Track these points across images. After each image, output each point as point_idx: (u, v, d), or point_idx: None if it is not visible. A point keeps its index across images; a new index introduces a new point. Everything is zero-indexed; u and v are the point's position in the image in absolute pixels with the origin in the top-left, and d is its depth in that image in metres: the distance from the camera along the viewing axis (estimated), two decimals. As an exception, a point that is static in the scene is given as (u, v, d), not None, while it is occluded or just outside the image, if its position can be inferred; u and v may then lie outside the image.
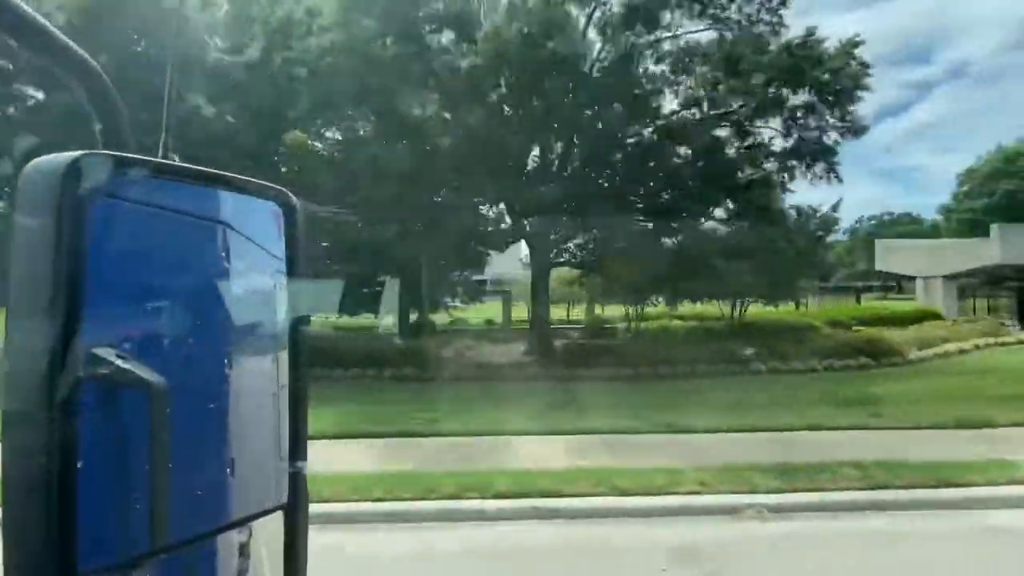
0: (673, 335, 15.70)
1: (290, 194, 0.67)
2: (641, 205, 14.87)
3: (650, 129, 14.42)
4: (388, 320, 16.41)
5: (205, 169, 0.59)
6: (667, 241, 14.97)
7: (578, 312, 24.75)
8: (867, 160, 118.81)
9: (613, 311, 21.30)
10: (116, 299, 0.48)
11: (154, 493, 0.45)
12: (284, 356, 0.65)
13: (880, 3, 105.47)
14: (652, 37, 13.62)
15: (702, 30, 14.16)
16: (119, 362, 0.45)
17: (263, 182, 0.66)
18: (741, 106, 14.15)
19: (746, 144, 15.10)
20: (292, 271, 0.66)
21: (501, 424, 8.38)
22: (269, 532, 0.63)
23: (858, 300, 32.51)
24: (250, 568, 0.62)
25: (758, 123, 14.75)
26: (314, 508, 0.89)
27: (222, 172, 0.60)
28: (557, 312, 21.85)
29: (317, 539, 0.70)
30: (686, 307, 20.24)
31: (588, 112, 13.85)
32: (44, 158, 0.46)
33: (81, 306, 0.44)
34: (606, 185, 14.68)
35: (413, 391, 11.23)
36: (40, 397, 0.41)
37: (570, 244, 15.96)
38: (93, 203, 0.46)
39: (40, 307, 0.42)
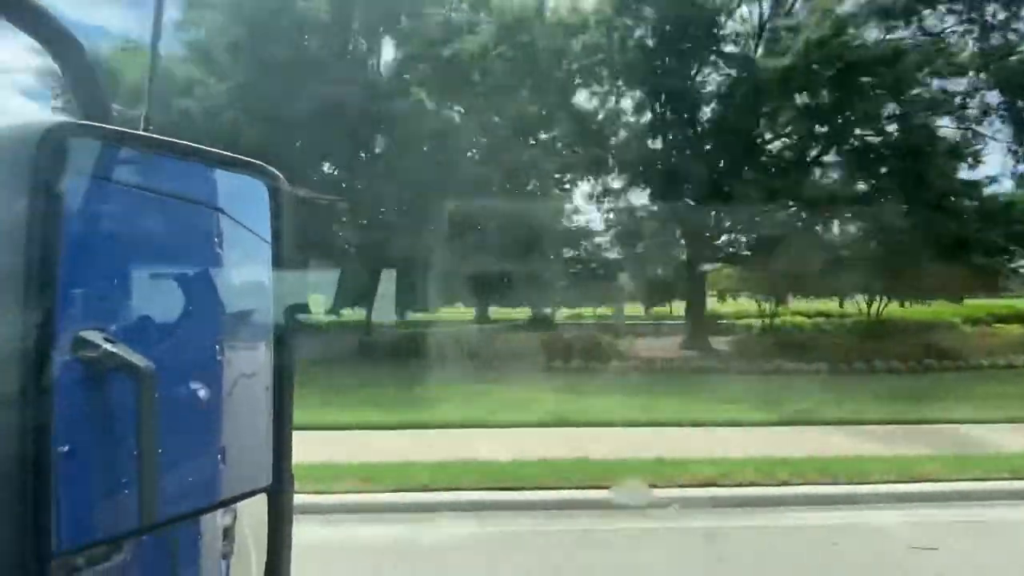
0: (835, 331, 15.74)
1: (276, 171, 0.65)
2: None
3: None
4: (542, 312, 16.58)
5: (189, 143, 0.57)
6: (853, 231, 15.08)
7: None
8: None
9: (737, 307, 21.32)
10: (100, 279, 0.47)
11: (139, 474, 0.44)
12: (271, 339, 0.63)
13: None
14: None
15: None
16: (107, 345, 0.44)
17: (248, 158, 0.63)
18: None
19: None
20: (278, 250, 0.64)
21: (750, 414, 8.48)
22: (255, 516, 0.62)
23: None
24: (234, 551, 0.62)
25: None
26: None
27: (206, 147, 0.58)
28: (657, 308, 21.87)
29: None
30: (801, 303, 20.30)
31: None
32: (15, 124, 0.44)
33: (63, 286, 0.43)
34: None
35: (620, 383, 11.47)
36: (19, 380, 0.39)
37: (727, 237, 16.08)
38: (71, 175, 0.44)
39: (18, 286, 0.40)
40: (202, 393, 0.55)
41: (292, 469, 0.64)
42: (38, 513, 0.39)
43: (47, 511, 0.40)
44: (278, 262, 0.64)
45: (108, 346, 0.44)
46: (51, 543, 0.40)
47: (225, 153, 0.60)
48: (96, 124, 0.52)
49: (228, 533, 0.62)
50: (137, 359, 0.44)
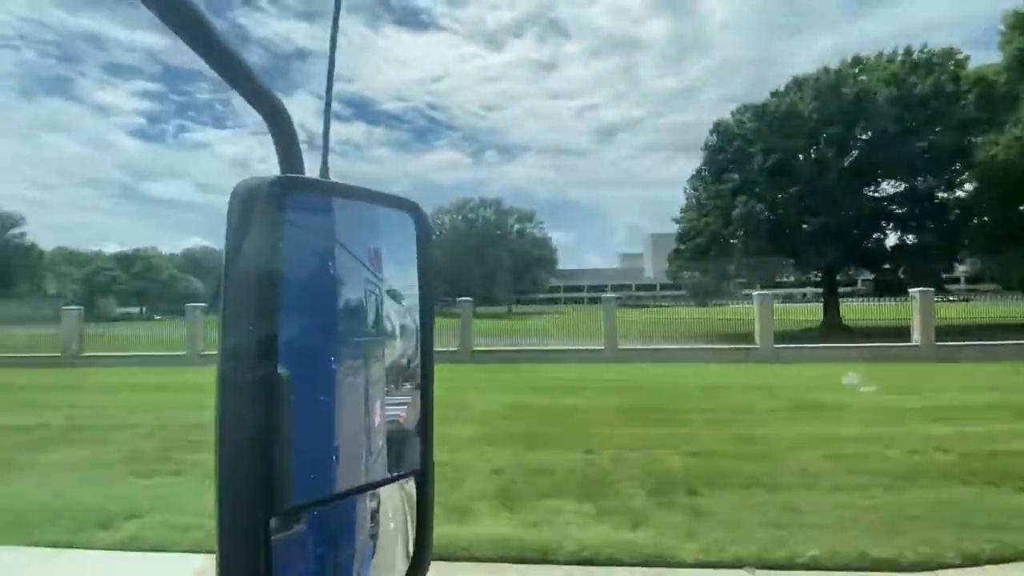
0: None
1: (418, 205, 0.74)
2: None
3: None
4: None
5: (353, 185, 0.66)
6: None
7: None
8: None
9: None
10: (295, 307, 0.56)
11: (279, 463, 0.53)
12: (418, 350, 0.75)
13: None
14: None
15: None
16: (291, 361, 0.53)
17: (396, 195, 0.72)
18: None
19: None
20: (423, 277, 0.75)
21: None
22: (396, 502, 0.72)
23: None
24: (379, 532, 0.71)
25: None
26: None
27: (363, 187, 0.67)
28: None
29: None
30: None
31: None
32: (250, 179, 0.56)
33: (275, 313, 0.53)
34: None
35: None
36: (241, 383, 0.52)
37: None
38: (289, 220, 0.55)
39: (249, 313, 0.52)
40: (363, 393, 0.66)
41: (433, 456, 0.76)
42: (269, 476, 0.51)
43: (271, 476, 0.51)
44: (422, 282, 0.75)
45: (291, 361, 0.54)
46: (272, 502, 0.52)
47: (383, 192, 0.70)
48: (304, 176, 0.66)
49: (375, 516, 0.70)
50: (281, 370, 0.53)
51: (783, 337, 18.16)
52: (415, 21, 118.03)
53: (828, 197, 25.96)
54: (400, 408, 0.72)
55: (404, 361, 0.73)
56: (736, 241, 27.91)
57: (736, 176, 28.11)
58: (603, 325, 17.58)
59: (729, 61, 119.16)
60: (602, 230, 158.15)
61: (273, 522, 0.52)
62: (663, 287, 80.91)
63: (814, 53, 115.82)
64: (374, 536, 0.70)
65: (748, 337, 17.98)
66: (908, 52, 26.03)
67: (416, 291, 0.75)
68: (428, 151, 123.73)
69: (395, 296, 0.72)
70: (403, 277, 0.74)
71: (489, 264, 58.88)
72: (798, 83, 28.05)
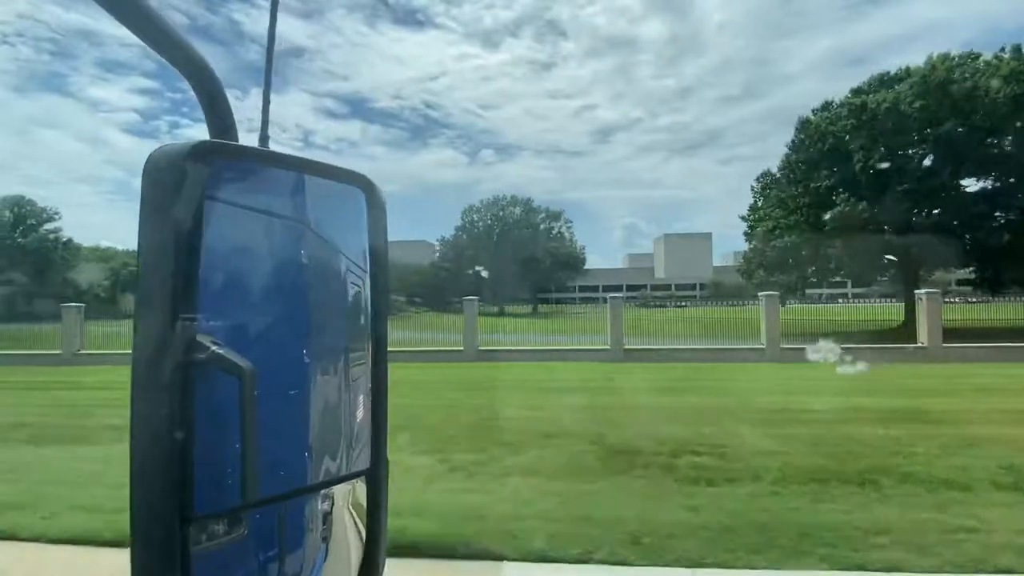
0: None
1: (371, 180, 0.68)
2: None
3: None
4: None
5: (295, 155, 0.60)
6: None
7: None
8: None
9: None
10: (221, 285, 0.51)
11: (243, 463, 0.49)
12: (368, 336, 0.68)
13: None
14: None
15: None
16: (215, 348, 0.48)
17: (346, 168, 0.66)
18: None
19: None
20: (375, 256, 0.69)
21: None
22: (352, 500, 0.68)
23: None
24: (332, 534, 0.65)
25: None
26: None
27: (309, 158, 0.62)
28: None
29: None
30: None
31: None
32: (167, 145, 0.50)
33: (195, 293, 0.48)
34: None
35: None
36: (158, 374, 0.46)
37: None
38: (211, 187, 0.50)
39: (165, 296, 0.47)
40: (308, 387, 0.60)
41: (387, 455, 0.69)
42: (154, 490, 0.46)
43: (189, 480, 0.47)
44: (374, 262, 0.69)
45: (216, 348, 0.49)
46: (191, 507, 0.47)
47: (330, 164, 0.64)
48: (230, 143, 0.60)
49: (327, 518, 0.66)
50: (240, 360, 0.49)
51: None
52: (412, 20, 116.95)
53: (938, 195, 25.64)
54: (349, 403, 0.67)
55: (353, 351, 0.68)
56: (832, 239, 27.32)
57: (831, 174, 27.31)
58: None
59: (725, 62, 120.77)
60: (599, 230, 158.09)
61: (193, 529, 0.48)
62: (678, 287, 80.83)
63: (809, 55, 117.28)
64: (326, 539, 0.66)
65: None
66: (1017, 49, 25.34)
67: (365, 277, 0.69)
68: (424, 150, 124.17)
69: (343, 279, 0.67)
70: (352, 257, 0.68)
71: (517, 263, 58.59)
72: (889, 80, 27.51)
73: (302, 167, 0.62)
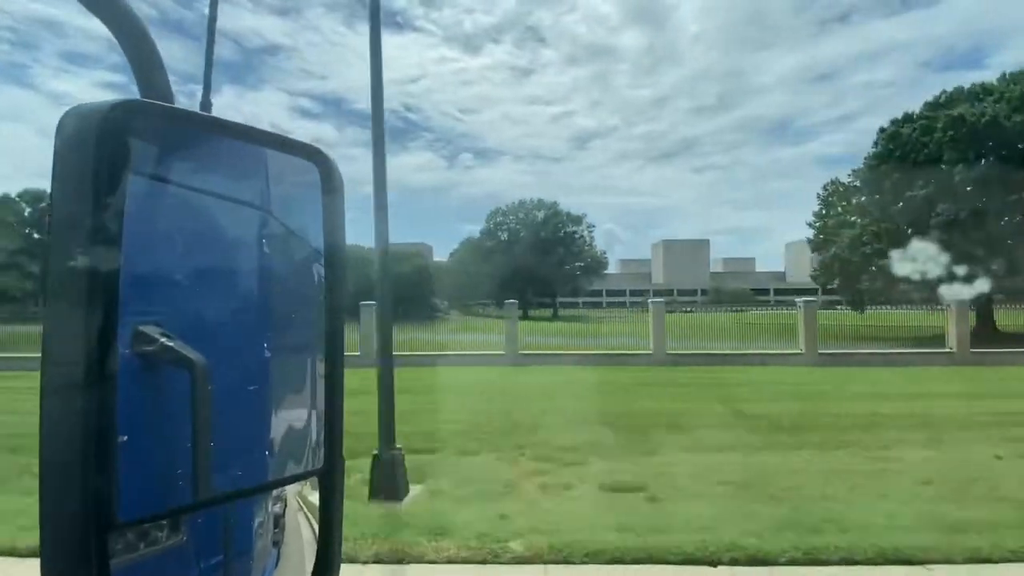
0: None
1: (328, 154, 0.63)
2: None
3: None
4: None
5: (241, 123, 0.55)
6: None
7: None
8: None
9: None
10: (159, 270, 0.47)
11: (193, 457, 0.46)
12: (323, 328, 0.63)
13: (921, 9, 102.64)
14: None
15: None
16: (164, 340, 0.45)
17: (302, 140, 0.61)
18: None
19: None
20: (330, 235, 0.63)
21: None
22: (307, 502, 0.65)
23: None
24: (284, 538, 0.62)
25: None
26: None
27: (261, 128, 0.56)
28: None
29: None
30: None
31: None
32: (82, 105, 0.43)
33: (124, 281, 0.43)
34: None
35: None
36: (77, 370, 0.40)
37: None
38: (134, 152, 0.44)
39: (82, 278, 0.41)
40: (255, 380, 0.56)
41: (343, 454, 0.64)
42: (100, 491, 0.41)
43: (109, 485, 0.42)
44: (329, 247, 0.63)
45: (165, 340, 0.45)
46: (112, 514, 0.42)
47: (279, 134, 0.59)
48: (159, 103, 0.52)
49: (279, 522, 0.63)
50: (191, 353, 0.45)
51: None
52: (392, 22, 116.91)
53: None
54: (302, 399, 0.62)
55: (306, 344, 0.63)
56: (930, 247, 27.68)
57: (927, 183, 28.30)
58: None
59: (700, 72, 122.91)
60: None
61: (115, 538, 0.44)
62: (680, 292, 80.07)
63: (780, 68, 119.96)
64: (277, 543, 0.63)
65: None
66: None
67: (320, 260, 0.63)
68: (403, 152, 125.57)
69: (292, 263, 0.62)
70: (305, 240, 0.62)
71: (542, 266, 58.39)
72: (968, 94, 29.02)
73: (248, 136, 0.56)
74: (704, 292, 77.80)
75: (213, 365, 0.47)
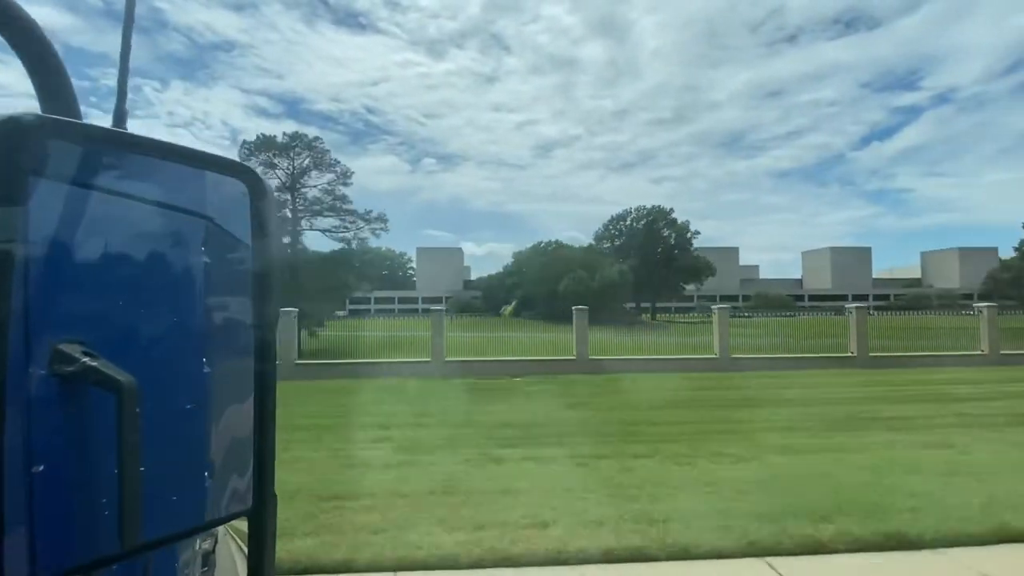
0: None
1: (257, 172, 0.60)
2: None
3: None
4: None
5: (165, 141, 0.52)
6: None
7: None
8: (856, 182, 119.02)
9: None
10: (76, 287, 0.43)
11: (119, 496, 0.41)
12: (252, 351, 0.59)
13: (864, 32, 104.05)
14: None
15: None
16: (86, 359, 0.41)
17: (228, 158, 0.58)
18: None
19: None
20: (260, 256, 0.60)
21: None
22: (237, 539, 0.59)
23: None
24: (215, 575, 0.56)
25: None
26: None
27: (184, 145, 0.54)
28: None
29: None
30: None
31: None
32: None
33: (37, 295, 0.40)
34: None
35: None
36: None
37: None
38: (41, 172, 0.41)
39: None
40: (182, 410, 0.52)
41: (275, 489, 0.59)
42: (11, 537, 0.37)
43: (22, 534, 0.38)
44: (259, 267, 0.60)
45: (87, 360, 0.42)
46: (27, 570, 0.38)
47: (204, 152, 0.56)
48: (66, 119, 0.48)
49: (208, 559, 0.59)
50: (118, 373, 0.42)
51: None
52: (354, 23, 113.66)
53: None
54: (226, 430, 0.57)
55: (232, 371, 0.58)
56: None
57: None
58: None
59: (658, 87, 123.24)
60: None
61: None
62: (722, 298, 77.70)
63: (732, 85, 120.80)
64: None
65: None
66: None
67: (249, 281, 0.59)
68: (363, 155, 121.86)
69: (218, 284, 0.57)
70: (235, 263, 0.59)
71: (643, 273, 59.12)
72: None
73: (167, 153, 0.53)
74: (746, 298, 74.62)
75: (142, 386, 0.43)
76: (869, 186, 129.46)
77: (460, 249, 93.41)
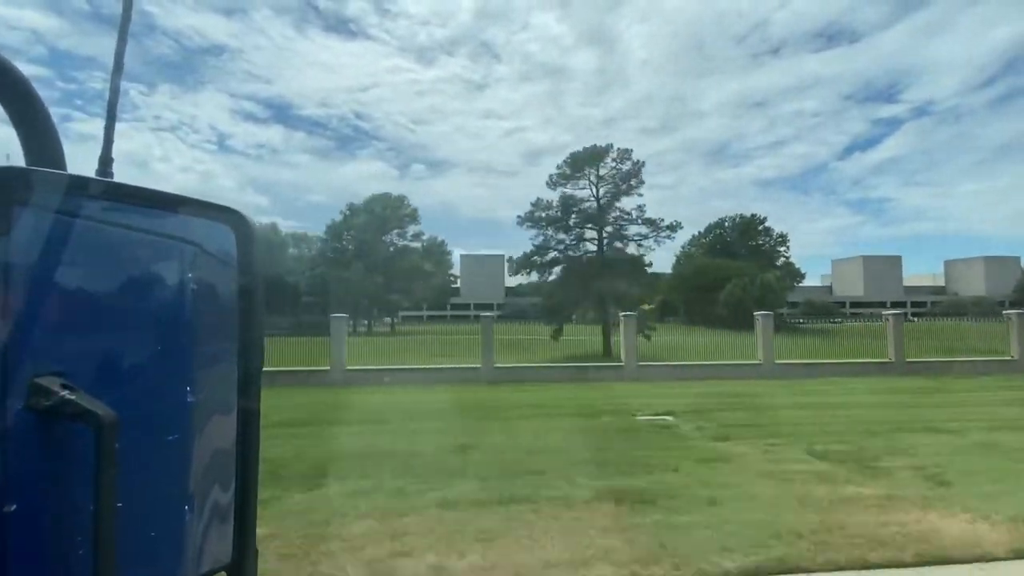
0: None
1: (245, 216, 0.62)
2: None
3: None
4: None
5: (150, 189, 0.54)
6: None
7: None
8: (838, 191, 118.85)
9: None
10: (60, 326, 0.44)
11: (95, 537, 0.40)
12: (235, 392, 0.59)
13: (846, 46, 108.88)
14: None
15: None
16: (64, 393, 0.41)
17: (214, 202, 0.60)
18: None
19: None
20: (245, 295, 0.61)
21: None
22: None
23: None
24: None
25: None
26: None
27: (171, 192, 0.56)
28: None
29: None
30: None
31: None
32: None
33: (15, 331, 0.40)
34: None
35: None
36: None
37: None
38: (24, 218, 0.42)
39: None
40: (163, 450, 0.50)
41: (256, 542, 0.58)
42: None
43: None
44: (245, 307, 0.61)
45: (66, 393, 0.41)
46: None
47: (189, 197, 0.57)
48: (51, 171, 0.49)
49: None
50: (97, 407, 0.41)
51: None
52: (344, 29, 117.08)
53: None
54: (208, 480, 0.55)
55: (214, 412, 0.57)
56: None
57: None
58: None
59: (646, 96, 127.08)
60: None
61: None
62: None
63: (718, 95, 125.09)
64: None
65: None
66: None
67: (234, 321, 0.60)
68: (351, 160, 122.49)
69: (204, 326, 0.57)
70: (219, 304, 0.60)
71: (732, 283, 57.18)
72: None
73: (151, 200, 0.53)
74: (793, 304, 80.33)
75: (122, 421, 0.42)
76: (851, 195, 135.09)
77: (502, 256, 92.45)
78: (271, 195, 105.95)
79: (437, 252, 61.99)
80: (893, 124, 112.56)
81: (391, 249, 55.85)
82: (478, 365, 17.36)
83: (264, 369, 0.63)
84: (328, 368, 16.86)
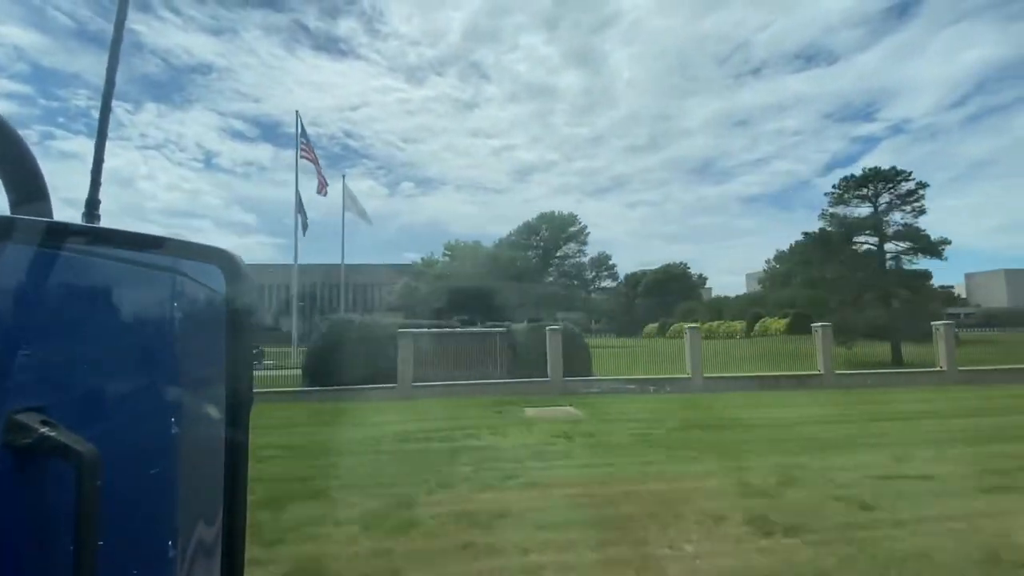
0: None
1: (234, 256, 0.61)
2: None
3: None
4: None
5: (136, 232, 0.52)
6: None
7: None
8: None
9: None
10: (39, 361, 0.42)
11: (73, 573, 0.39)
12: (223, 428, 0.57)
13: (824, 67, 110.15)
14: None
15: None
16: (45, 429, 0.40)
17: (204, 244, 0.60)
18: None
19: None
20: (234, 334, 0.60)
21: None
22: None
23: None
24: None
25: None
26: None
27: (156, 235, 0.54)
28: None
29: None
30: None
31: None
32: None
33: None
34: None
35: None
36: None
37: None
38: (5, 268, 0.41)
39: None
40: (146, 484, 0.49)
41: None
42: None
43: None
44: (232, 342, 0.60)
45: (46, 430, 0.40)
46: None
47: (177, 239, 0.57)
48: (32, 219, 0.48)
49: None
50: (79, 444, 0.40)
51: None
52: (334, 48, 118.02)
53: None
54: (192, 514, 0.53)
55: (198, 449, 0.55)
56: None
57: None
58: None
59: (632, 115, 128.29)
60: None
61: None
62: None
63: (702, 113, 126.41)
64: None
65: None
66: None
67: (222, 359, 0.58)
68: (341, 178, 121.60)
69: (192, 363, 0.56)
70: (207, 342, 0.59)
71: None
72: None
73: (141, 245, 0.52)
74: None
75: (104, 456, 0.40)
76: (832, 210, 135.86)
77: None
78: (258, 213, 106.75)
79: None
80: (871, 142, 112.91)
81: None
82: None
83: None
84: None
